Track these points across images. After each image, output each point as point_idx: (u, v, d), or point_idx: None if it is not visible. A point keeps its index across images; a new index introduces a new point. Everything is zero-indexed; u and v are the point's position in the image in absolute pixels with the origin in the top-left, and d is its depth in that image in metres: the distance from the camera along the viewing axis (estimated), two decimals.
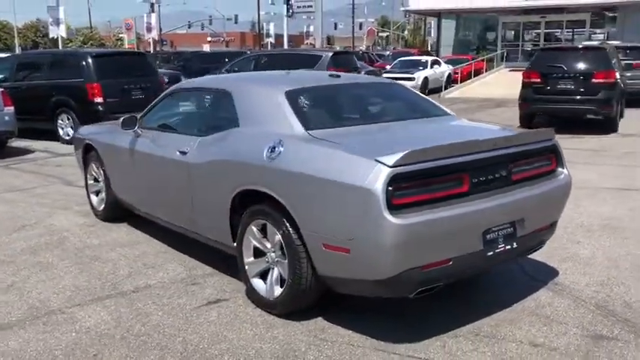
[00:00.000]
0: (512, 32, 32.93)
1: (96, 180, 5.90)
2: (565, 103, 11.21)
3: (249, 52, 25.46)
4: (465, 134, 3.87)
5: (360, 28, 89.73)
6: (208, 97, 4.44)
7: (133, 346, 3.32)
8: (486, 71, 27.65)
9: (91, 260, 4.72)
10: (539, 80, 11.52)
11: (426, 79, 22.67)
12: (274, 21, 64.53)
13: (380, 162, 2.97)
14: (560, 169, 3.85)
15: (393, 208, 2.93)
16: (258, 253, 3.79)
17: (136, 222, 5.58)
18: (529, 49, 31.93)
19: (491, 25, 33.59)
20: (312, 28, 70.47)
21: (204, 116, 4.38)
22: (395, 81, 4.95)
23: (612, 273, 4.28)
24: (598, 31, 30.92)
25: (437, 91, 24.05)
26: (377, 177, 2.94)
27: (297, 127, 3.61)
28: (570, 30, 31.45)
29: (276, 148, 3.49)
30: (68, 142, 10.62)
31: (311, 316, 3.60)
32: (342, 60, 15.77)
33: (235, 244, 3.91)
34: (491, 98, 19.50)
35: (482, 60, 27.87)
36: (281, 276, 3.61)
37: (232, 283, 4.16)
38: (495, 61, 29.79)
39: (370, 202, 2.93)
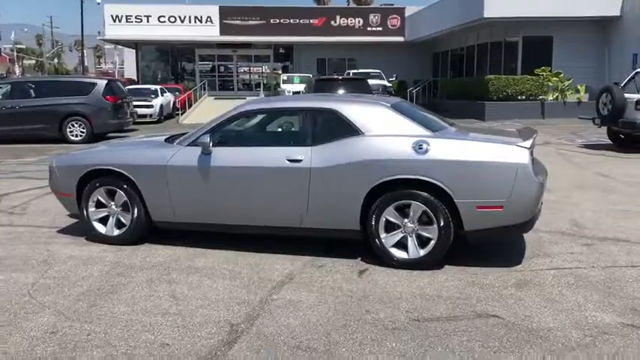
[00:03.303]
0: (209, 64, 35.69)
1: (101, 206, 5.78)
2: None
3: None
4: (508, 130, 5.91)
5: (0, 53, 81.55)
6: (304, 114, 5.31)
7: (391, 304, 4.22)
8: (195, 101, 29.56)
9: (195, 272, 4.94)
10: None
11: (161, 106, 23.46)
12: None
13: (521, 146, 4.71)
14: None
15: (533, 173, 4.70)
16: (390, 229, 4.99)
17: (155, 239, 5.80)
18: (223, 80, 35.25)
19: (189, 56, 35.70)
20: None
21: (306, 130, 5.26)
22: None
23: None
24: (280, 64, 36.01)
25: (168, 117, 24.96)
26: (525, 155, 4.67)
27: (423, 130, 5.00)
28: (259, 63, 35.92)
29: (423, 145, 4.81)
30: None
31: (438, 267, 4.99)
32: (114, 87, 16.32)
33: (362, 226, 5.01)
34: None
35: (194, 90, 29.75)
36: (420, 240, 4.92)
37: (347, 261, 5.15)
38: (199, 91, 32.00)
39: (524, 171, 4.64)
